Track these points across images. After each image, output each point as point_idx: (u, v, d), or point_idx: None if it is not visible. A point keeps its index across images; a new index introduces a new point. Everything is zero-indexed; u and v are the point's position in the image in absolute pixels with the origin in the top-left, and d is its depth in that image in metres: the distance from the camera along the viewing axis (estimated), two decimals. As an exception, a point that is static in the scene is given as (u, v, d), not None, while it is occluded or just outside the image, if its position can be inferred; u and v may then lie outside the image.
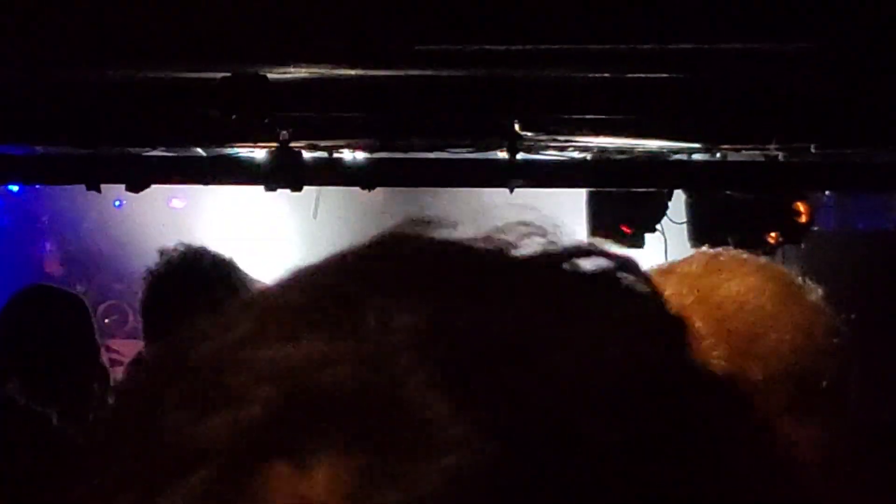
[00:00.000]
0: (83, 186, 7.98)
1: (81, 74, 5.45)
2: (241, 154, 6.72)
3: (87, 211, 12.51)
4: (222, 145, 6.61)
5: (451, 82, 5.49)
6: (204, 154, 6.80)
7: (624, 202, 7.15)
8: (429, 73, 5.31)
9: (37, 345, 3.02)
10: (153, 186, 7.14)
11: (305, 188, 10.67)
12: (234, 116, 5.30)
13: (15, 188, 11.28)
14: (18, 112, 5.77)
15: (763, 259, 1.41)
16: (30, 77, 5.38)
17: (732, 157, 6.97)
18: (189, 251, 2.27)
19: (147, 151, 6.70)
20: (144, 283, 2.25)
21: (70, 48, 4.91)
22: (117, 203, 12.46)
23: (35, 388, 2.93)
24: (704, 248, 1.36)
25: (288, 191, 10.88)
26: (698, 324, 1.07)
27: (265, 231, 11.11)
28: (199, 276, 2.25)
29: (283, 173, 6.48)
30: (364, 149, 6.65)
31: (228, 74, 5.24)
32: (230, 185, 7.82)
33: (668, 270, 1.13)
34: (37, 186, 11.12)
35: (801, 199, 7.38)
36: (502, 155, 6.50)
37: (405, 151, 6.64)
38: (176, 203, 11.40)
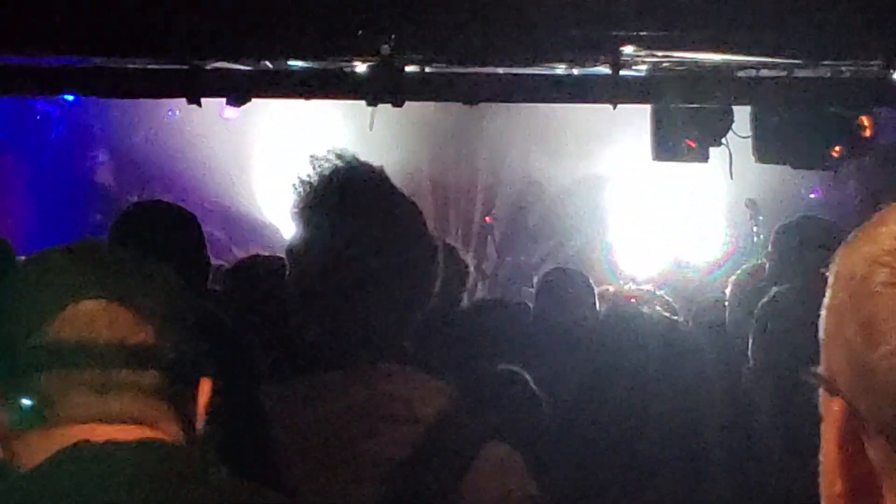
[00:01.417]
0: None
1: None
2: (342, 68, 6.60)
3: (139, 122, 12.56)
4: (323, 60, 6.53)
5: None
6: (305, 67, 6.69)
7: (688, 117, 7.14)
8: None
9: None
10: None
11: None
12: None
13: (70, 97, 11.28)
14: (121, 25, 5.78)
15: None
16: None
17: (799, 72, 6.95)
18: (344, 160, 2.28)
19: (248, 65, 6.62)
20: (295, 192, 2.26)
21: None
22: (170, 113, 12.54)
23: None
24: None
25: (342, 105, 10.95)
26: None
27: (318, 143, 11.11)
28: (355, 186, 2.27)
29: (385, 88, 6.42)
30: (463, 64, 6.53)
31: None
32: (331, 99, 7.76)
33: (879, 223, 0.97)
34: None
35: (866, 113, 7.37)
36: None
37: (503, 67, 6.51)
38: (229, 113, 11.40)
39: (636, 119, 8.02)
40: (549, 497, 2.24)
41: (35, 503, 1.41)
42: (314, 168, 2.24)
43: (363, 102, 10.79)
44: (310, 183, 2.23)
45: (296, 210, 2.24)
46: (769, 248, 4.64)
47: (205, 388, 1.54)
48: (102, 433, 1.45)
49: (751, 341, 2.84)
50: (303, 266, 2.23)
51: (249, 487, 1.51)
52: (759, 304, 2.87)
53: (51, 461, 1.42)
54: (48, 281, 1.50)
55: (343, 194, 2.23)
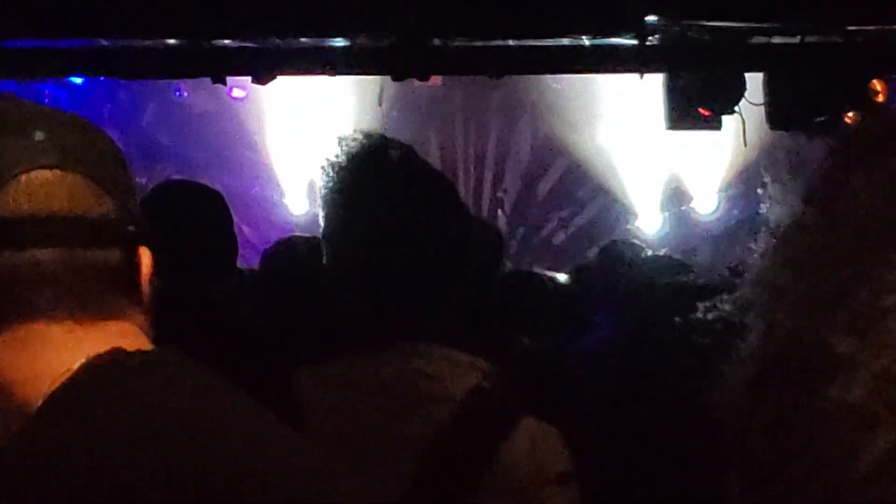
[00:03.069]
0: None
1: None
2: (366, 43, 6.55)
3: (147, 102, 12.55)
4: (346, 36, 6.48)
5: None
6: (330, 44, 6.64)
7: (701, 85, 7.12)
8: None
9: (178, 241, 2.94)
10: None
11: (366, 77, 10.70)
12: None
13: (79, 80, 11.25)
14: (141, 5, 5.77)
15: None
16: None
17: (810, 38, 6.93)
18: (371, 139, 2.27)
19: (268, 44, 6.58)
20: (324, 173, 2.25)
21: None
22: (178, 93, 12.53)
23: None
24: None
25: (349, 82, 10.93)
26: None
27: (327, 120, 11.11)
28: (387, 165, 2.25)
29: (411, 62, 6.39)
30: (487, 37, 6.50)
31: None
32: (357, 75, 7.72)
33: None
34: (99, 78, 11.12)
35: (878, 77, 7.34)
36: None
37: (519, 38, 6.47)
38: (237, 93, 11.39)
39: (647, 87, 8.00)
40: (587, 473, 2.24)
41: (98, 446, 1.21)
42: (342, 148, 2.22)
43: (372, 78, 10.82)
44: (339, 164, 2.21)
45: (326, 192, 2.22)
46: None
47: (145, 258, 1.36)
48: (82, 333, 1.27)
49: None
50: (339, 248, 2.23)
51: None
52: None
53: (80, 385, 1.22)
54: None
55: (375, 174, 2.22)
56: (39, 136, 1.31)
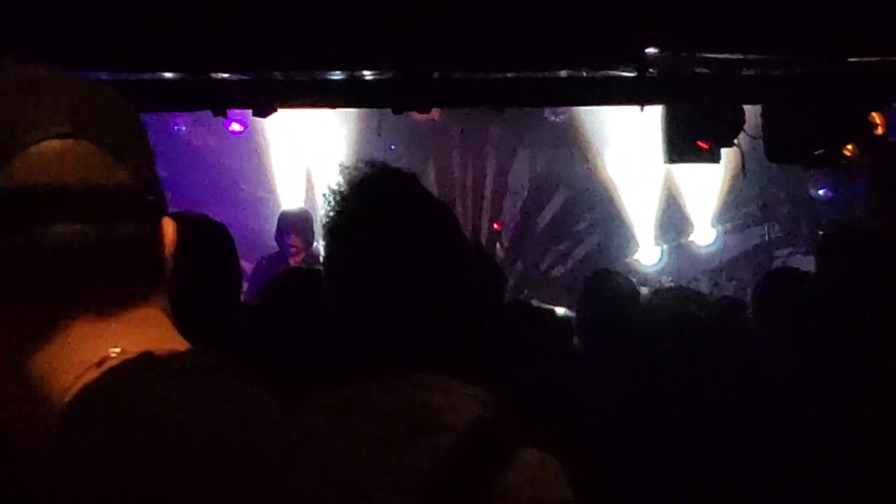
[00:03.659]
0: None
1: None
2: (366, 77, 6.58)
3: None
4: (347, 69, 6.50)
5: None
6: (330, 78, 6.67)
7: (700, 118, 7.13)
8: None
9: (182, 274, 2.92)
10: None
11: (365, 110, 10.72)
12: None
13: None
14: (144, 39, 5.77)
15: None
16: (155, 1, 5.39)
17: (808, 70, 6.94)
18: (373, 168, 2.26)
19: (268, 76, 6.59)
20: (326, 201, 2.24)
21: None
22: (176, 128, 12.52)
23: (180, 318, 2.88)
24: None
25: (348, 116, 10.95)
26: None
27: (326, 153, 11.14)
28: (388, 193, 2.24)
29: (412, 95, 6.41)
30: (488, 69, 6.50)
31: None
32: (358, 108, 7.74)
33: None
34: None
35: (876, 109, 7.35)
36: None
37: (520, 71, 6.49)
38: (235, 127, 11.40)
39: (646, 120, 8.02)
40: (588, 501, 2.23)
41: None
42: (343, 177, 2.21)
43: (371, 112, 10.83)
44: (340, 192, 2.20)
45: (328, 221, 2.21)
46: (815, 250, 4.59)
47: (168, 230, 1.29)
48: (106, 324, 1.20)
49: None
50: (338, 277, 2.22)
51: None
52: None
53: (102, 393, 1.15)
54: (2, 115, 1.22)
55: (376, 203, 2.21)
56: (51, 101, 1.23)
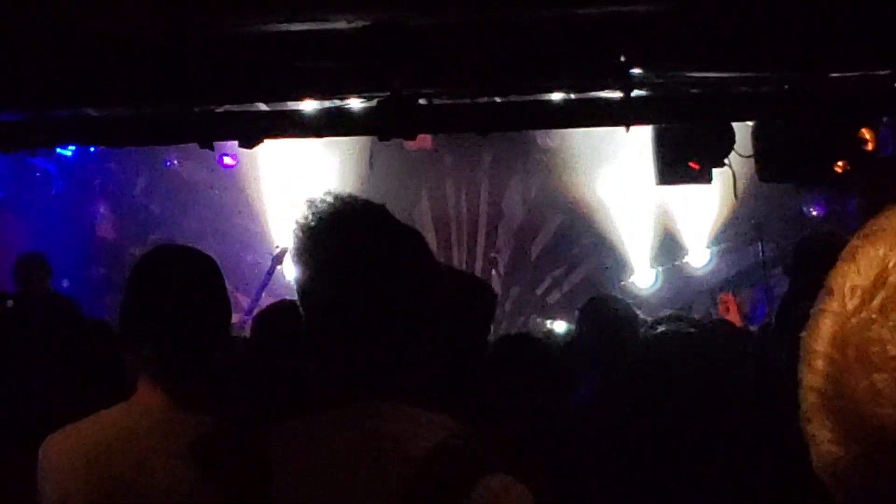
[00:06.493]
0: (129, 148, 8.04)
1: (188, 31, 5.44)
2: (351, 106, 6.60)
3: (137, 173, 12.56)
4: (332, 98, 6.51)
5: (564, 20, 5.47)
6: (316, 108, 6.67)
7: (690, 138, 7.12)
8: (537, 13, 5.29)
9: (171, 309, 2.90)
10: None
11: (357, 142, 10.74)
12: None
13: (68, 152, 11.27)
14: (128, 73, 5.77)
15: None
16: (141, 36, 5.39)
17: (797, 87, 6.93)
18: (340, 199, 2.25)
19: (256, 107, 6.60)
20: (294, 235, 2.23)
21: (177, 5, 4.92)
22: (168, 163, 12.53)
23: (169, 353, 2.87)
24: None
25: (340, 147, 10.96)
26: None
27: (319, 186, 11.10)
28: (355, 223, 2.24)
29: (397, 122, 6.40)
30: (473, 94, 6.52)
31: (367, 23, 5.22)
32: (343, 136, 7.74)
33: (875, 229, 0.95)
34: (90, 150, 11.13)
35: (866, 125, 7.34)
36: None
37: (505, 95, 6.49)
38: (227, 160, 11.42)
39: (637, 142, 8.01)
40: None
41: None
42: (311, 210, 2.21)
43: (363, 143, 10.85)
44: (308, 225, 2.20)
45: (296, 253, 2.21)
46: (789, 263, 4.60)
47: None
48: None
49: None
50: (308, 308, 2.21)
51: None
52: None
53: None
54: None
55: (342, 234, 2.20)
56: None
